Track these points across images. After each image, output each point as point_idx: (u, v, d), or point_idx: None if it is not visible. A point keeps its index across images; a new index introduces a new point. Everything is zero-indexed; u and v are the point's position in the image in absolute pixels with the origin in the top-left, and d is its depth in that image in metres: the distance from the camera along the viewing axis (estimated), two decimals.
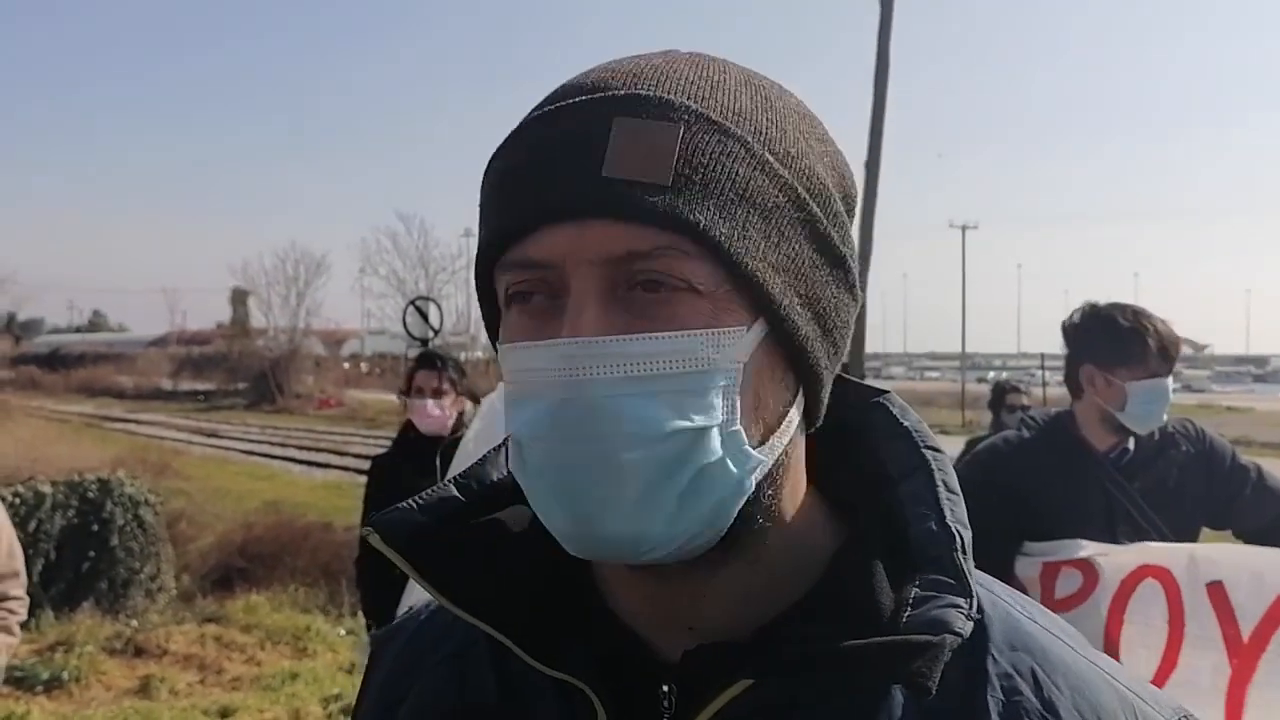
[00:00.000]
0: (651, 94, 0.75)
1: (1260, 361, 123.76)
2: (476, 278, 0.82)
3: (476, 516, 0.89)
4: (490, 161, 0.80)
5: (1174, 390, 3.17)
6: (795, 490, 0.84)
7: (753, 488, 0.76)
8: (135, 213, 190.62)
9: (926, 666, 0.73)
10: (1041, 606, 0.89)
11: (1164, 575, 2.72)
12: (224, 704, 7.08)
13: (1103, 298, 3.30)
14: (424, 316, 13.79)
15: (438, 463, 4.53)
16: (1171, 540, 3.01)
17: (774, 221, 0.75)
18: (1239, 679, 2.59)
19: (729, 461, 0.74)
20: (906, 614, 0.76)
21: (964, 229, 71.22)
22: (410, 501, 0.89)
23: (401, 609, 4.35)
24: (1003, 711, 0.78)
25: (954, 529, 0.81)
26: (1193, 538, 3.15)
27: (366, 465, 5.28)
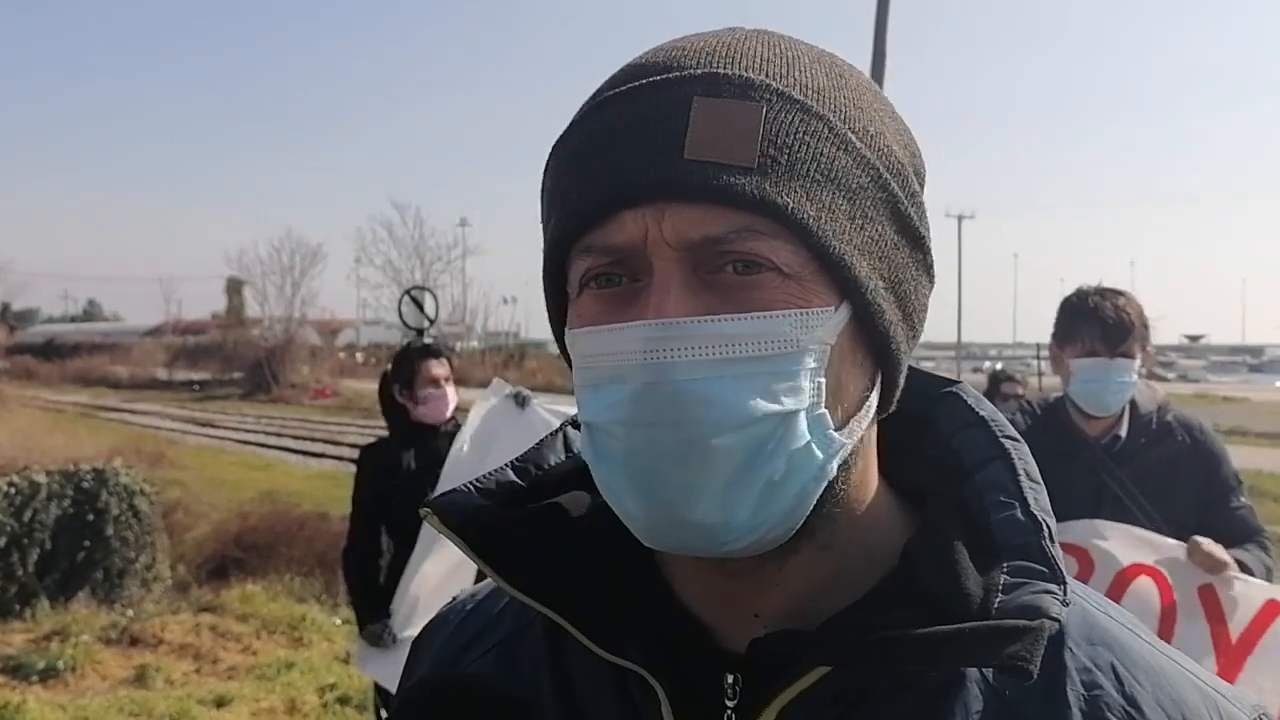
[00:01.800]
0: (730, 72, 0.73)
1: (1256, 351, 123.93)
2: (547, 262, 0.80)
3: (535, 501, 0.88)
4: (560, 143, 0.78)
5: (1148, 377, 3.25)
6: (866, 477, 0.82)
7: (834, 473, 0.75)
8: (130, 202, 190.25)
9: (1026, 650, 0.71)
10: (1115, 604, 0.87)
11: (1158, 576, 2.74)
12: (220, 693, 7.08)
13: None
14: (419, 306, 13.77)
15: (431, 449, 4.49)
16: (1163, 526, 3.03)
17: (858, 202, 0.74)
18: (1224, 678, 2.57)
19: (814, 446, 0.73)
20: (998, 600, 0.74)
21: (960, 218, 71.30)
22: (468, 484, 0.88)
23: (397, 603, 4.34)
24: (1084, 706, 0.76)
25: (1040, 517, 0.80)
26: (1188, 529, 3.15)
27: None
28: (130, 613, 8.87)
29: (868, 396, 0.78)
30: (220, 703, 6.94)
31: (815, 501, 0.75)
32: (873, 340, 0.77)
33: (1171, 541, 2.93)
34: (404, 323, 13.92)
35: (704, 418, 0.70)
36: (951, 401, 0.89)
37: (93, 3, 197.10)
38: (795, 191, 0.71)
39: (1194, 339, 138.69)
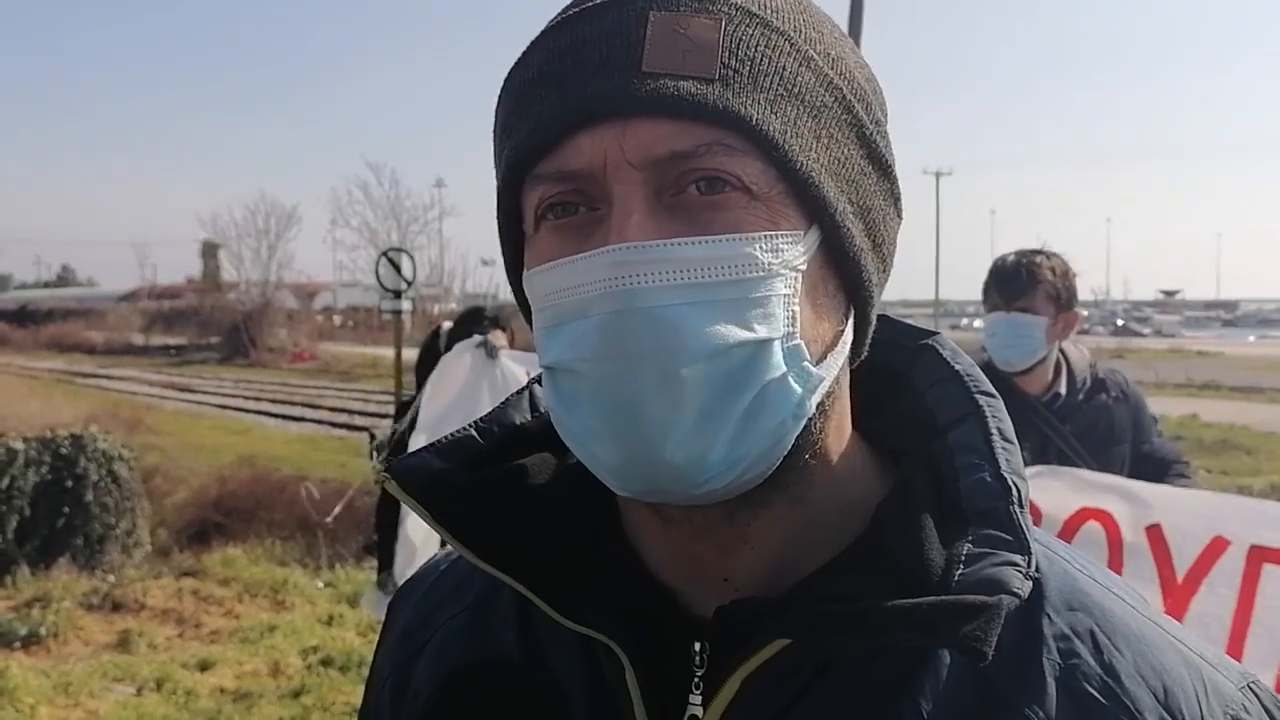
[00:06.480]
0: None
1: (1230, 306, 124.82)
2: (500, 201, 0.76)
3: (499, 463, 0.84)
4: (512, 71, 0.74)
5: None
6: (841, 427, 0.78)
7: (812, 410, 0.71)
8: (102, 165, 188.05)
9: (981, 630, 0.67)
10: (1102, 565, 0.83)
11: (1106, 519, 2.79)
12: (203, 657, 7.10)
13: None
14: (396, 268, 13.67)
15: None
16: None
17: (823, 120, 0.70)
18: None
19: (791, 378, 0.69)
20: (958, 572, 0.70)
21: (937, 175, 71.20)
22: (428, 447, 0.84)
23: (399, 557, 4.38)
24: (1060, 675, 0.72)
25: (1010, 480, 0.76)
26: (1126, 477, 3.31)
27: (341, 418, 5.28)
28: (111, 578, 8.86)
29: (842, 331, 0.74)
30: (204, 666, 6.95)
31: (792, 444, 0.70)
32: (843, 269, 0.73)
33: (1119, 479, 3.01)
34: (381, 285, 13.84)
35: (674, 346, 0.65)
36: (928, 355, 0.85)
37: None
38: (760, 104, 0.67)
39: (1169, 294, 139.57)
